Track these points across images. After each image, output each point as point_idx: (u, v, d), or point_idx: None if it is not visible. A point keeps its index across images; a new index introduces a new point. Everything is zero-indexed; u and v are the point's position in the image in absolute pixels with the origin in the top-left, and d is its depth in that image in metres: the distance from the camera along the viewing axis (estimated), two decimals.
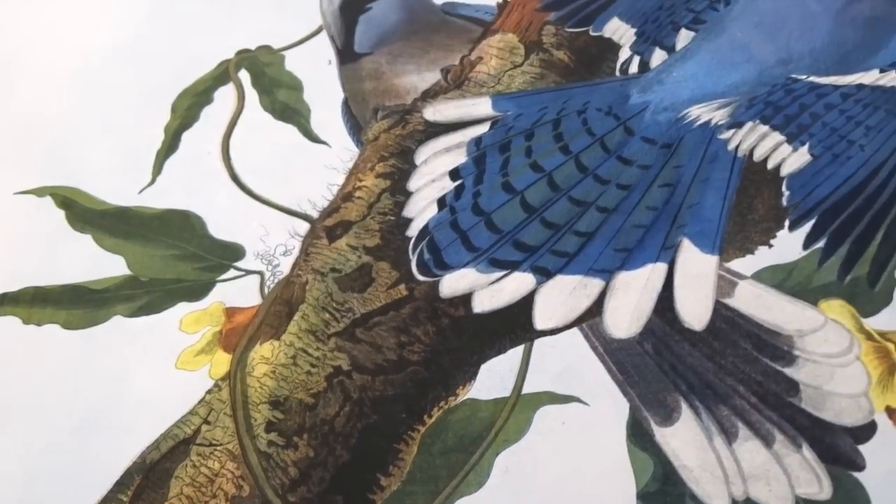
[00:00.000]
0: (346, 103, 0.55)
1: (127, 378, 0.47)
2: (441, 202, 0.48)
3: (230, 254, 0.50)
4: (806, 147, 0.47)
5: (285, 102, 0.55)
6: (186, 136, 0.54)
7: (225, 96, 0.55)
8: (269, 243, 0.50)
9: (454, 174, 0.49)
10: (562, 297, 0.45)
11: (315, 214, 0.50)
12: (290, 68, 0.56)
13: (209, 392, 0.45)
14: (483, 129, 0.50)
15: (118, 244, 0.50)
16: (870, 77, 0.49)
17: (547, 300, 0.45)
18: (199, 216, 0.51)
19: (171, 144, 0.53)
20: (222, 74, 0.55)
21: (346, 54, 0.56)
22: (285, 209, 0.51)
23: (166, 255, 0.50)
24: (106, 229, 0.50)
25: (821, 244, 0.46)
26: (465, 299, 0.46)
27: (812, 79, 0.49)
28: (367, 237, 0.48)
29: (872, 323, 0.45)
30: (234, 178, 0.52)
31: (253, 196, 0.51)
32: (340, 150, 0.52)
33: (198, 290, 0.48)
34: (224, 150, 0.53)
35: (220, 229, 0.51)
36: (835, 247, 0.45)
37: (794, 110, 0.48)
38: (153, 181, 0.52)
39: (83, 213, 0.51)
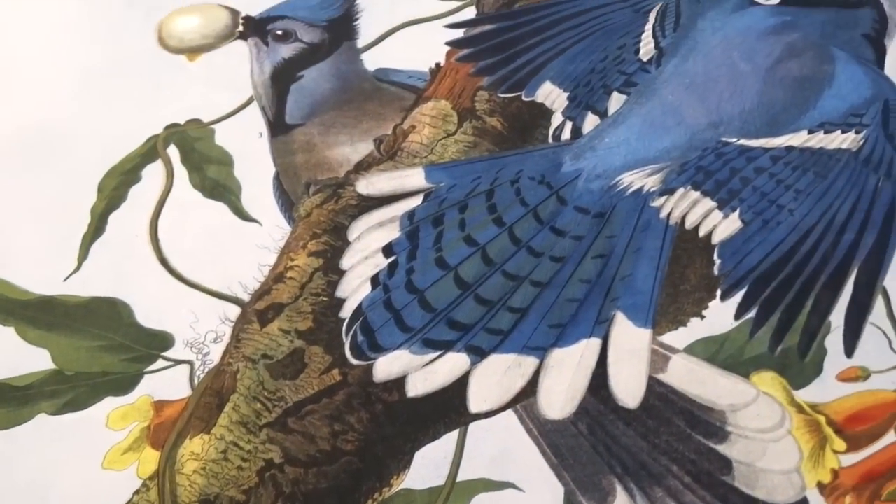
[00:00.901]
0: (277, 178, 0.54)
1: (52, 481, 0.45)
2: (374, 280, 0.48)
3: (158, 343, 0.49)
4: (737, 213, 0.47)
5: (215, 179, 0.54)
6: (113, 218, 0.53)
7: (153, 174, 0.54)
8: (199, 330, 0.49)
9: (387, 250, 0.48)
10: (496, 378, 0.45)
11: (246, 297, 0.49)
12: (221, 142, 0.55)
13: (137, 493, 0.45)
14: (416, 201, 0.50)
15: (42, 336, 0.49)
16: (799, 139, 0.49)
17: (481, 381, 0.45)
18: (127, 303, 0.50)
19: (97, 227, 0.52)
20: (150, 151, 0.54)
21: (278, 126, 0.55)
22: (216, 293, 0.50)
23: (92, 347, 0.49)
24: (29, 320, 0.49)
25: (752, 314, 0.46)
26: (399, 383, 0.45)
27: (742, 141, 0.49)
28: (300, 320, 0.47)
29: (803, 395, 0.45)
30: (163, 261, 0.51)
31: (182, 280, 0.51)
32: (272, 228, 0.52)
33: (125, 384, 0.48)
34: (152, 232, 0.52)
35: (148, 317, 0.50)
36: (766, 316, 0.45)
37: (724, 175, 0.48)
38: (79, 267, 0.51)
39: (5, 303, 0.50)
